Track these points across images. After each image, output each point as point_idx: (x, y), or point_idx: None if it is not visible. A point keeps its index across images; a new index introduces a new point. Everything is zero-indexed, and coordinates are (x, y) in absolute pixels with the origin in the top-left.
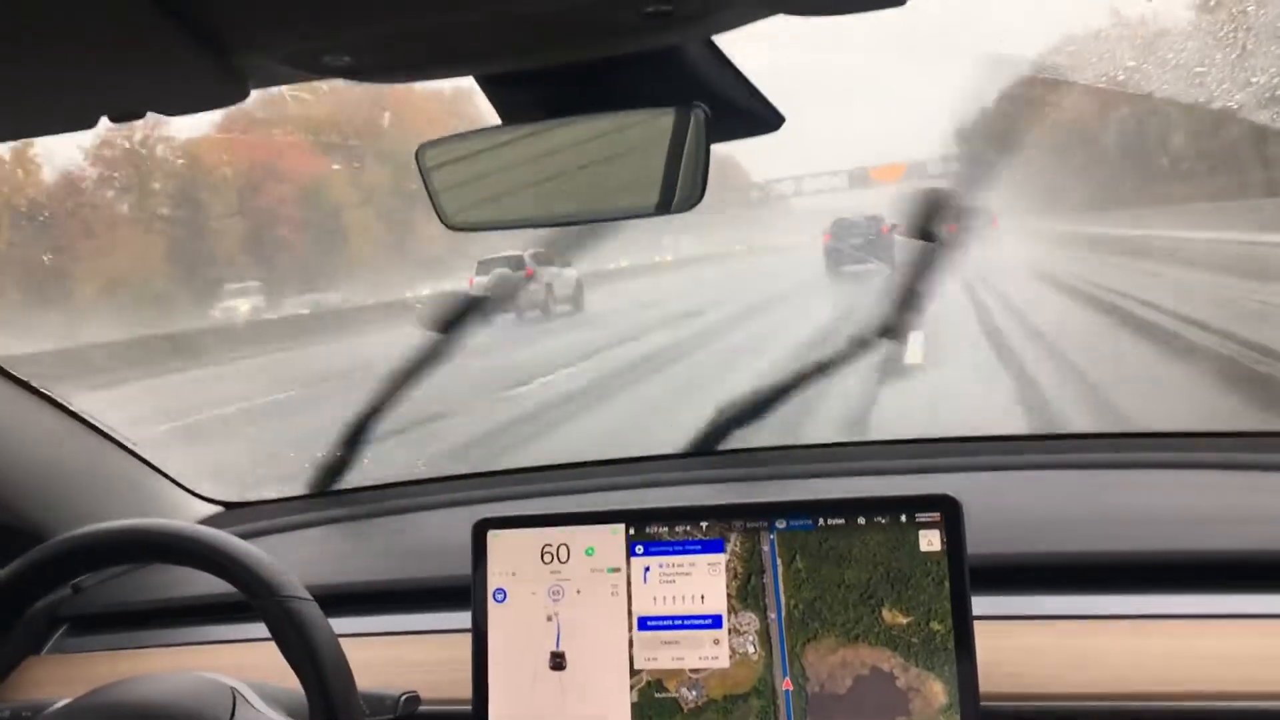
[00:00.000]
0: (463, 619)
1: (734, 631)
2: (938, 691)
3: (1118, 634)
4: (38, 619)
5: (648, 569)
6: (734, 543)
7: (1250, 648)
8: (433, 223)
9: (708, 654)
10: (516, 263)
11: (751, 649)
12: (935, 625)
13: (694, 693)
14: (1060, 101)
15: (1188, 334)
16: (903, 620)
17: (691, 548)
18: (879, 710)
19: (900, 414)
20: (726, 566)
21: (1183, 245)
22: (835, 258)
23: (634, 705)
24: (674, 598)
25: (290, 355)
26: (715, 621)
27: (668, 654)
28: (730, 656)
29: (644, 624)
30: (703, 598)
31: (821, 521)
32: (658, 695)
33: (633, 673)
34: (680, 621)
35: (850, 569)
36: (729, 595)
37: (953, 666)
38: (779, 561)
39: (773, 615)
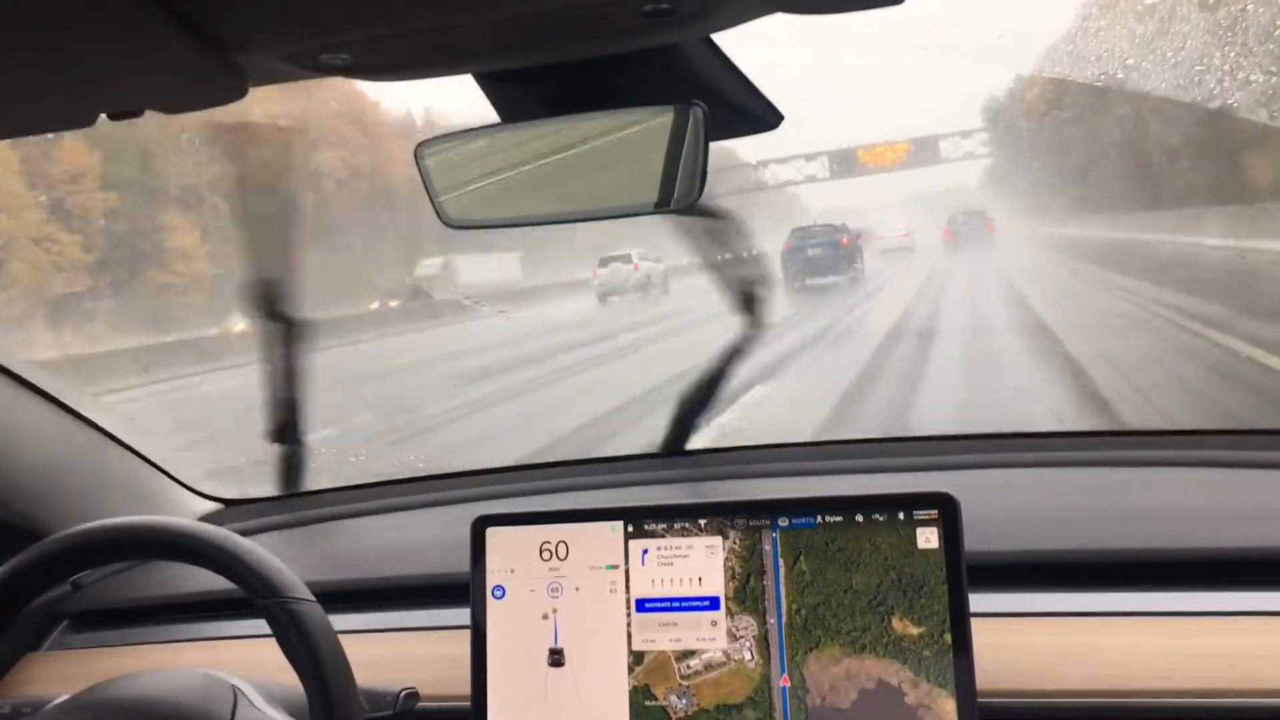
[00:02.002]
0: (462, 616)
1: (730, 636)
2: (950, 710)
3: (1116, 630)
4: (38, 615)
5: (645, 551)
6: (733, 540)
7: (1248, 644)
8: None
9: (705, 635)
10: (626, 259)
11: (748, 655)
12: (949, 638)
13: (684, 701)
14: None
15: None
16: (914, 631)
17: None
18: None
19: None
20: (725, 565)
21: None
22: (794, 269)
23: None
24: (672, 580)
25: None
26: (713, 603)
27: (665, 635)
28: (725, 661)
29: (641, 605)
30: (700, 580)
31: (820, 519)
32: (646, 704)
33: (631, 659)
34: (678, 603)
35: (858, 573)
36: (725, 598)
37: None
38: (781, 562)
39: (772, 620)
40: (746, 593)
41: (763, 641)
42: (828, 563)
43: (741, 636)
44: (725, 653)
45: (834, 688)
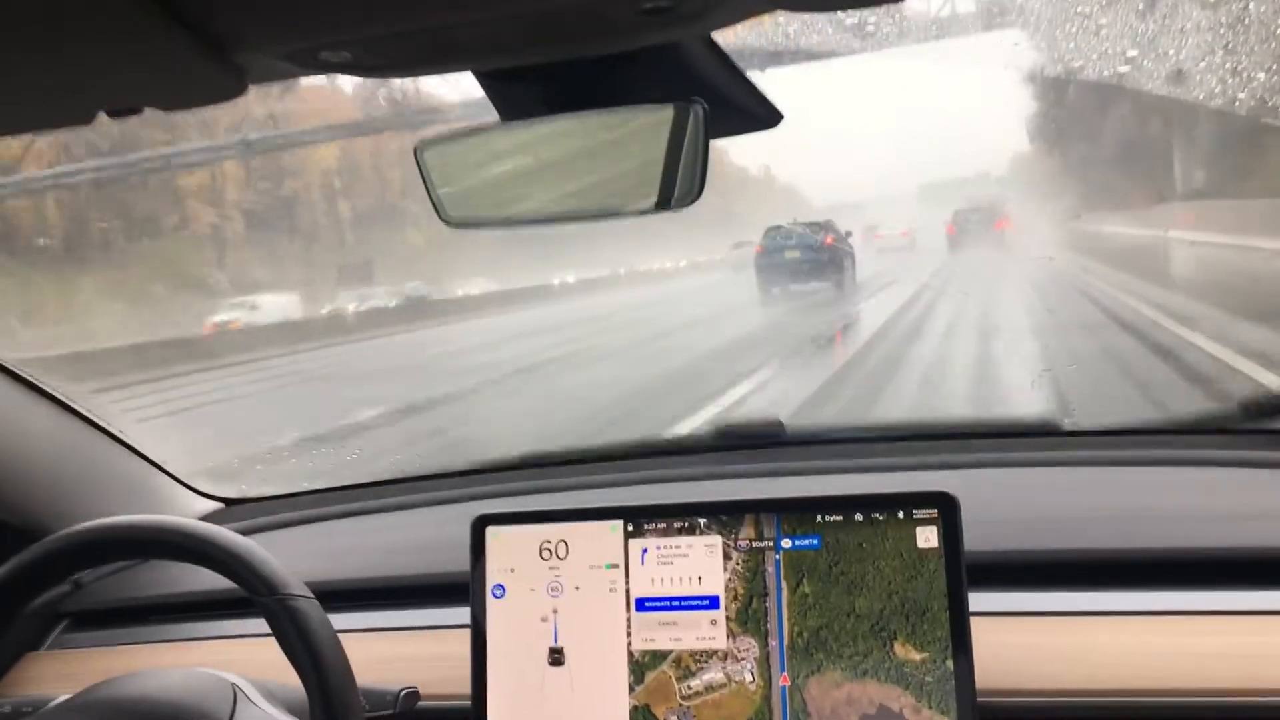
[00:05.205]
0: (462, 615)
1: (731, 657)
2: None
3: (1115, 630)
4: (38, 615)
5: (645, 550)
6: (736, 561)
7: (1246, 644)
8: None
9: (705, 634)
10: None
11: (749, 677)
12: (951, 663)
13: None
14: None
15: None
16: (916, 656)
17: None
18: None
19: None
20: (727, 586)
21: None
22: (769, 275)
23: None
24: (671, 579)
25: None
26: (713, 602)
27: (665, 635)
28: (726, 683)
29: (641, 605)
30: (700, 579)
31: (820, 518)
32: None
33: (631, 657)
34: (678, 602)
35: (861, 597)
36: (728, 618)
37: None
38: (784, 584)
39: (774, 643)
40: (749, 614)
41: (764, 663)
42: (831, 586)
43: (743, 658)
44: (726, 674)
45: (835, 711)
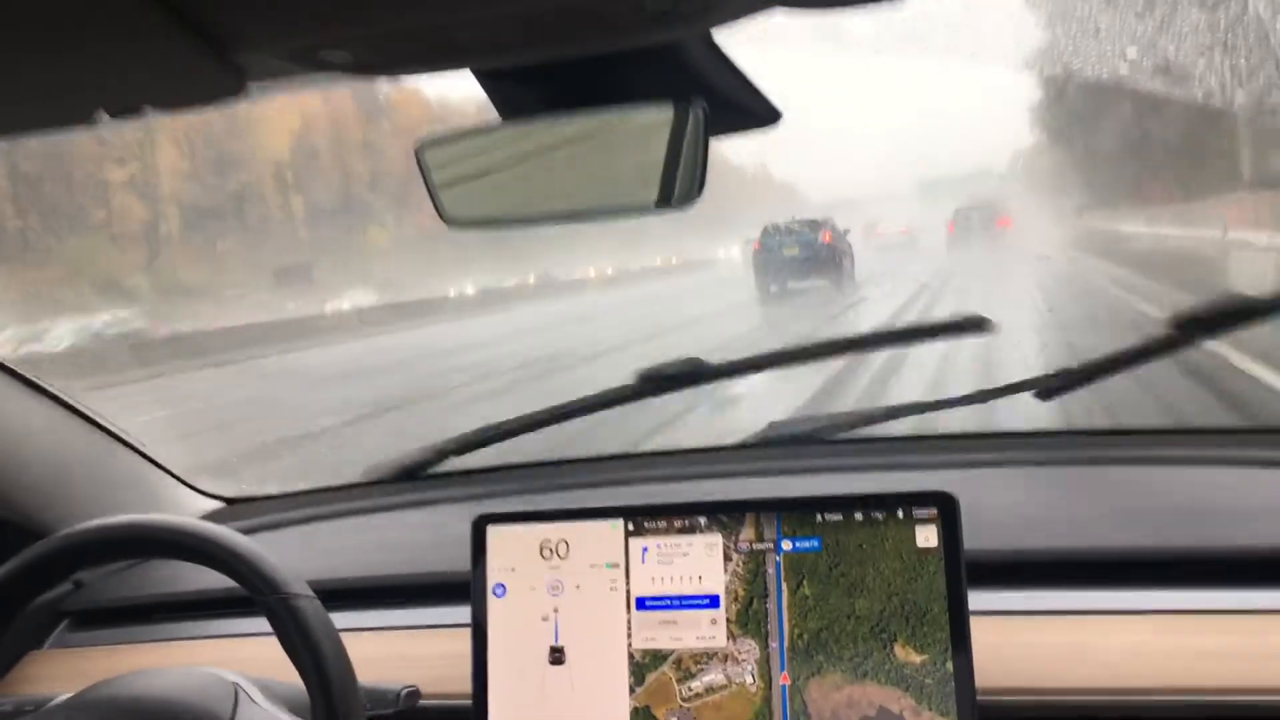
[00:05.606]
0: (463, 614)
1: (731, 660)
2: None
3: (1116, 629)
4: (39, 614)
5: (645, 549)
6: (737, 563)
7: (1247, 643)
8: None
9: (705, 634)
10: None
11: (750, 680)
12: (951, 665)
13: None
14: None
15: None
16: (916, 659)
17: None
18: None
19: None
20: (728, 589)
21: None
22: (766, 272)
23: None
24: (672, 578)
25: None
26: (713, 601)
27: (666, 634)
28: (726, 684)
29: (641, 604)
30: (700, 578)
31: (820, 518)
32: None
33: (631, 658)
34: (678, 601)
35: (862, 599)
36: (728, 620)
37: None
38: (784, 586)
39: (774, 644)
40: (749, 616)
41: (764, 665)
42: (831, 588)
43: (744, 660)
44: (727, 675)
45: (835, 714)
